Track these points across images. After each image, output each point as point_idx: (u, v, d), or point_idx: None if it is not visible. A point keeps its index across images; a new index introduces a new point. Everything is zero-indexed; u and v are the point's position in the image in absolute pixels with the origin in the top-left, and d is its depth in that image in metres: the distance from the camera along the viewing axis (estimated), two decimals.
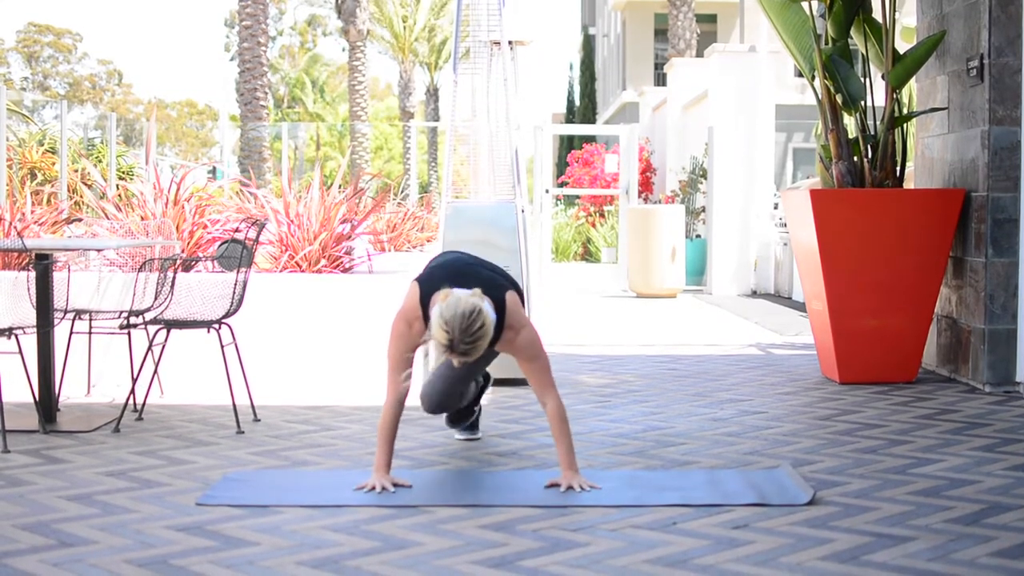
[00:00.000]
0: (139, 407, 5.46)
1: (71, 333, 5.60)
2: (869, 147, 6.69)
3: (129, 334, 5.54)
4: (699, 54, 26.68)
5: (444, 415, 4.74)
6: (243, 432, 5.02)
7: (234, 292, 5.24)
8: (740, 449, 4.70)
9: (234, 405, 5.18)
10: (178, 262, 5.48)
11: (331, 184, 17.20)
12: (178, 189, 15.79)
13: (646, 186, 18.61)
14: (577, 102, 45.93)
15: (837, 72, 6.64)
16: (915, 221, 6.34)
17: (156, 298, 5.32)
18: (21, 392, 5.49)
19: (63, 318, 5.33)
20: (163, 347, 5.30)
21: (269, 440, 4.87)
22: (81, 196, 18.01)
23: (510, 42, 6.73)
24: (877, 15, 6.75)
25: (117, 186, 18.67)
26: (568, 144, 35.31)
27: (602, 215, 19.97)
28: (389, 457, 4.00)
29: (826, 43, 6.79)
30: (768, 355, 7.84)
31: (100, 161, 20.54)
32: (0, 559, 3.16)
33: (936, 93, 6.85)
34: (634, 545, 3.31)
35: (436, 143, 46.38)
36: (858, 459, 4.48)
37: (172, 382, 6.30)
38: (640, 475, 4.21)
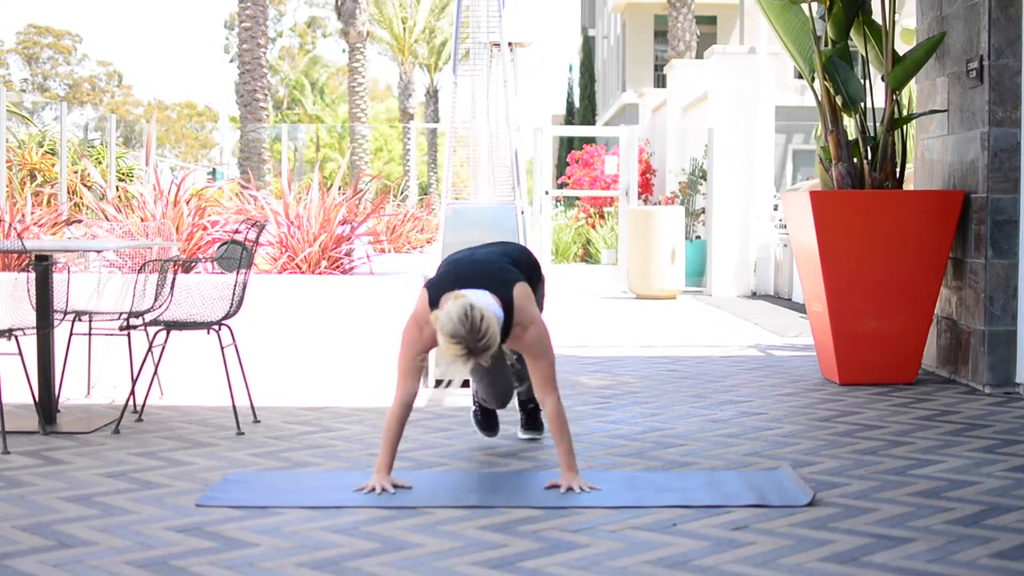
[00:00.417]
0: (139, 408, 5.46)
1: (71, 334, 5.60)
2: (869, 149, 6.69)
3: (129, 335, 5.54)
4: (699, 56, 26.68)
5: (520, 418, 4.95)
6: (243, 433, 5.02)
7: (234, 293, 5.24)
8: (740, 450, 4.70)
9: (234, 406, 5.18)
10: (178, 263, 5.48)
11: (331, 186, 17.19)
12: (178, 190, 15.80)
13: (646, 187, 18.61)
14: (577, 103, 45.94)
15: (837, 74, 6.64)
16: (915, 222, 6.34)
17: (156, 299, 5.32)
18: (21, 393, 5.48)
19: (63, 319, 5.33)
20: (163, 348, 5.30)
21: (269, 441, 4.87)
22: (81, 197, 18.01)
23: (510, 44, 6.73)
24: (877, 17, 6.75)
25: (117, 187, 18.67)
26: (568, 146, 35.34)
27: (602, 216, 19.99)
28: (391, 459, 4.00)
29: (826, 45, 6.79)
30: (768, 356, 7.84)
31: (100, 162, 20.53)
32: (0, 560, 3.16)
33: (936, 95, 6.85)
34: (634, 546, 3.31)
35: (436, 144, 46.37)
36: (858, 460, 4.48)
37: (172, 383, 6.29)
38: (640, 476, 4.21)
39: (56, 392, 5.27)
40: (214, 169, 28.59)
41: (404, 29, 47.34)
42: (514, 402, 4.88)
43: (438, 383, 6.23)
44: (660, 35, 36.33)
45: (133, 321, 5.32)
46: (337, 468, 4.38)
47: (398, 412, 4.01)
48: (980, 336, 6.17)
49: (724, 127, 13.75)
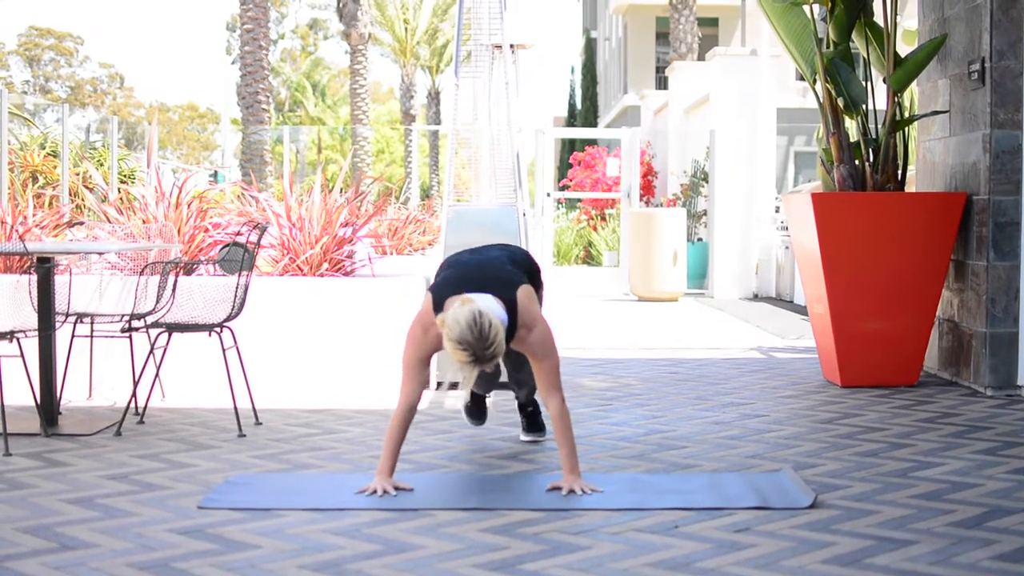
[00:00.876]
0: (140, 410, 5.46)
1: (72, 336, 5.60)
2: (870, 151, 6.69)
3: (131, 337, 5.54)
4: (700, 58, 26.67)
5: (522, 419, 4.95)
6: (245, 435, 5.03)
7: (235, 296, 5.24)
8: (742, 452, 4.70)
9: (235, 408, 5.18)
10: (179, 265, 5.48)
11: (332, 188, 17.16)
12: (180, 193, 15.79)
13: (647, 189, 18.60)
14: (578, 105, 45.93)
15: (838, 76, 6.64)
16: (916, 224, 6.34)
17: (157, 301, 5.32)
18: (23, 395, 5.48)
19: (64, 321, 5.34)
20: (164, 350, 5.30)
21: (271, 443, 4.88)
22: (83, 200, 18.00)
23: (511, 45, 6.74)
24: (879, 18, 6.75)
25: (119, 190, 18.66)
26: (570, 148, 35.31)
27: (603, 219, 19.97)
28: (393, 461, 4.00)
29: (827, 47, 6.79)
30: (770, 358, 7.84)
31: (102, 165, 20.55)
32: (2, 562, 3.17)
33: (937, 96, 6.85)
34: (636, 548, 3.31)
35: (438, 146, 46.37)
36: (859, 462, 4.48)
37: (173, 385, 6.29)
38: (642, 478, 4.21)
39: (58, 394, 5.27)
40: (216, 171, 28.60)
41: (406, 31, 47.35)
42: (514, 404, 4.89)
43: (439, 385, 6.24)
44: (662, 37, 36.33)
45: (135, 323, 5.32)
46: (339, 470, 4.38)
47: (401, 415, 4.01)
48: (982, 338, 6.17)
49: (726, 129, 13.75)
